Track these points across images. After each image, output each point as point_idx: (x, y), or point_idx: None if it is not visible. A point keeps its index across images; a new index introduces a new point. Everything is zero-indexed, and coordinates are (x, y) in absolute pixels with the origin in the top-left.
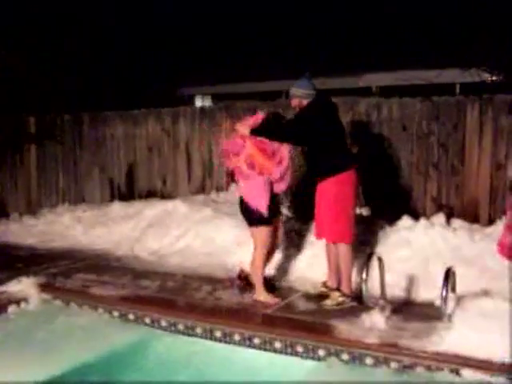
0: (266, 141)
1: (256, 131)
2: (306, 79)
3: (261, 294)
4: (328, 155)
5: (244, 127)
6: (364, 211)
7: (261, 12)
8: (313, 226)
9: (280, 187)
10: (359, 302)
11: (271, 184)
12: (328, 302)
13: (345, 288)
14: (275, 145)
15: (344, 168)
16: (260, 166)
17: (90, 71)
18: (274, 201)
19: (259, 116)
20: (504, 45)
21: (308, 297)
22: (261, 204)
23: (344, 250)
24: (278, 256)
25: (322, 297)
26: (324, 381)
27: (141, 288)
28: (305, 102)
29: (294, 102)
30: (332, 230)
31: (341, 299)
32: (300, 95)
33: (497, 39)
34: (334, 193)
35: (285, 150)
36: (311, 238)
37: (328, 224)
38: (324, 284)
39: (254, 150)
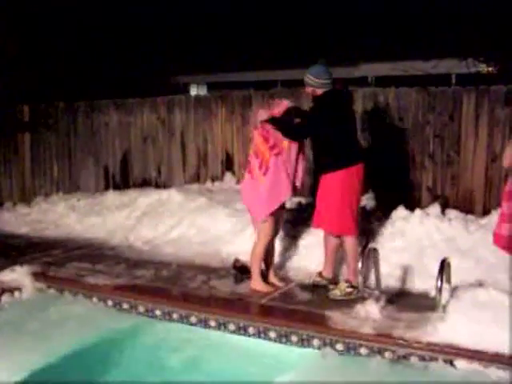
0: (270, 132)
1: (274, 121)
2: (322, 67)
3: (258, 284)
4: (338, 148)
5: (264, 113)
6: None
7: (256, 0)
8: (308, 217)
9: (286, 192)
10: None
11: (279, 192)
12: (337, 293)
13: (352, 279)
14: (278, 138)
15: (353, 161)
16: (262, 154)
17: (85, 60)
18: None
19: (284, 103)
20: (500, 36)
21: (303, 287)
22: (259, 213)
23: (350, 242)
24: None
25: (316, 287)
26: (318, 371)
27: (135, 277)
28: (319, 91)
29: (308, 90)
30: (337, 222)
31: (349, 290)
32: (314, 85)
33: (493, 30)
34: (342, 186)
35: (284, 143)
36: (306, 228)
37: (332, 217)
38: (319, 274)
39: (259, 138)
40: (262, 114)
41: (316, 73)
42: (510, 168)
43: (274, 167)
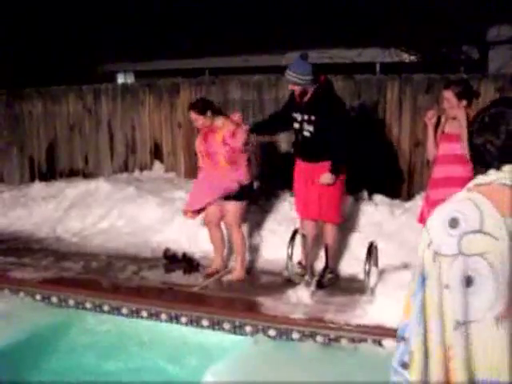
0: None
1: (336, 169)
2: (305, 61)
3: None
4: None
5: (328, 177)
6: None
7: None
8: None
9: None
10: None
11: None
12: (322, 279)
13: (333, 265)
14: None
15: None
16: None
17: (6, 45)
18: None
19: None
20: (421, 26)
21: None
22: None
23: (334, 230)
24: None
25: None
26: (251, 357)
27: (64, 270)
28: (310, 88)
29: (295, 87)
30: (331, 210)
31: (330, 275)
32: (307, 83)
33: (414, 21)
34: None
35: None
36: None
37: (328, 204)
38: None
39: None
40: (328, 179)
41: (304, 70)
42: (434, 159)
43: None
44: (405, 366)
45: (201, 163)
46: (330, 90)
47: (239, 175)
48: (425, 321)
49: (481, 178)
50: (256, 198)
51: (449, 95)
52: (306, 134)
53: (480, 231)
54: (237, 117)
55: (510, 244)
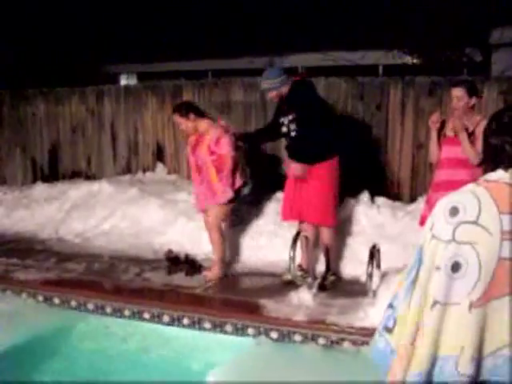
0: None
1: (299, 157)
2: (273, 67)
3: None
4: (325, 137)
5: (299, 168)
6: None
7: None
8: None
9: None
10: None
11: None
12: (328, 284)
13: (334, 267)
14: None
15: (336, 151)
16: None
17: (10, 46)
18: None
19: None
20: (423, 29)
21: (239, 276)
22: None
23: (331, 232)
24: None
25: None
26: (254, 359)
27: (66, 271)
28: (284, 89)
29: (272, 94)
30: (328, 213)
31: (332, 278)
32: (279, 85)
33: (417, 24)
34: (330, 176)
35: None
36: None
37: (319, 207)
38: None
39: None
40: (300, 170)
41: (273, 74)
42: (436, 162)
43: None
44: (388, 329)
45: (193, 177)
46: (302, 87)
47: (223, 185)
48: (412, 293)
49: (489, 175)
50: (257, 200)
51: (460, 92)
52: (293, 133)
53: (475, 223)
54: (223, 122)
55: (500, 241)
